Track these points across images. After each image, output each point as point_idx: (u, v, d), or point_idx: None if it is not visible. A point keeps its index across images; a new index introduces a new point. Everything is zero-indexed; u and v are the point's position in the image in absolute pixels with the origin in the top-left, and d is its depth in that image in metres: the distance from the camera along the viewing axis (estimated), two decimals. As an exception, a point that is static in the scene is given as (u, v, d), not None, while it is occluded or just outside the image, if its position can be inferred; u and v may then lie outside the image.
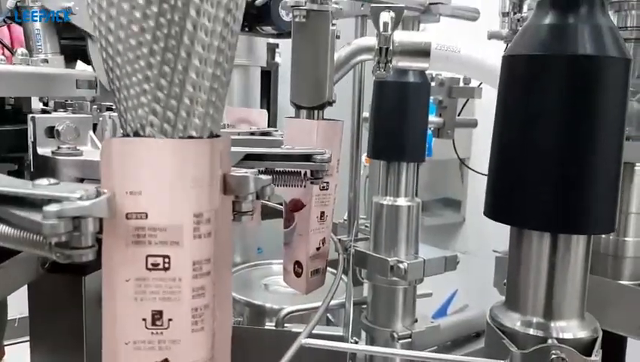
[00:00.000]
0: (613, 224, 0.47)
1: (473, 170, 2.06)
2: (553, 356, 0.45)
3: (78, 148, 0.53)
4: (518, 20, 1.29)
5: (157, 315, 0.33)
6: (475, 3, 1.17)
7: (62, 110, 0.69)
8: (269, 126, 0.88)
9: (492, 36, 1.37)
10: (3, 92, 0.63)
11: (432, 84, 1.63)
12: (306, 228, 0.78)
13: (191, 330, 0.33)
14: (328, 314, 1.19)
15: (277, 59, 2.00)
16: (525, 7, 1.28)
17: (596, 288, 0.70)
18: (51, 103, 0.76)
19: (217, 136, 0.35)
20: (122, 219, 0.32)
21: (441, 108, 1.70)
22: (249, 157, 0.55)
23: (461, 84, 1.71)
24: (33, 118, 0.54)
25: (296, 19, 0.75)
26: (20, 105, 0.67)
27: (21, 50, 0.71)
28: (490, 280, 1.05)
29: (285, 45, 1.41)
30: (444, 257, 0.96)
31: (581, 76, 0.44)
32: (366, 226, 1.15)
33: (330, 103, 0.79)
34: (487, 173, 0.51)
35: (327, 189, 0.77)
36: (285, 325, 0.96)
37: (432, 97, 1.47)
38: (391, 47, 0.77)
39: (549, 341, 0.47)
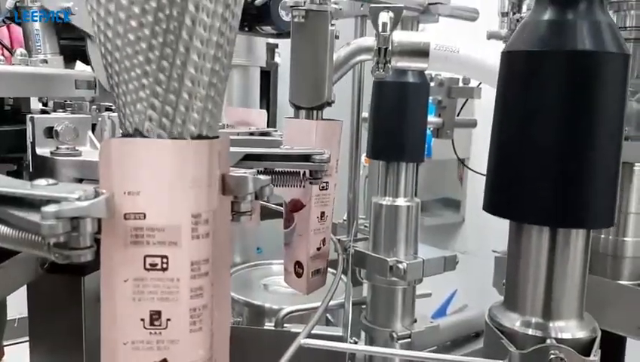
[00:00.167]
0: (612, 219, 0.47)
1: (473, 170, 2.06)
2: (552, 356, 0.45)
3: (76, 148, 0.53)
4: (517, 20, 1.29)
5: (155, 315, 0.33)
6: (474, 3, 1.17)
7: (61, 110, 0.69)
8: (268, 126, 0.88)
9: (491, 36, 1.37)
10: (2, 92, 0.63)
11: (432, 84, 1.63)
12: (306, 229, 0.78)
13: (189, 330, 0.33)
14: (328, 315, 1.19)
15: (276, 59, 2.00)
16: (524, 7, 1.28)
17: (595, 288, 0.70)
18: (50, 103, 0.76)
19: (216, 137, 0.35)
20: (121, 219, 0.32)
21: (440, 109, 1.71)
22: (248, 157, 0.55)
23: (460, 84, 1.71)
24: (32, 119, 0.54)
25: (296, 20, 0.75)
26: (19, 106, 0.67)
27: (20, 51, 0.71)
28: (489, 281, 1.05)
29: (285, 45, 1.41)
30: (444, 257, 0.96)
31: (580, 72, 0.44)
32: (365, 226, 1.15)
33: (329, 104, 0.79)
34: (486, 172, 0.51)
35: (326, 189, 0.77)
36: (285, 325, 0.96)
37: (431, 97, 1.47)
38: (390, 48, 0.77)
39: (548, 341, 0.47)
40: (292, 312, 0.98)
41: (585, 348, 0.47)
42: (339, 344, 0.68)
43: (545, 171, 0.46)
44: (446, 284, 2.33)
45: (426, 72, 0.96)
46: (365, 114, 1.09)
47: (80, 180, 0.50)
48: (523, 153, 0.47)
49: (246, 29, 1.27)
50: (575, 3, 0.45)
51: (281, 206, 0.81)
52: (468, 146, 2.32)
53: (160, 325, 0.33)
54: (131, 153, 0.32)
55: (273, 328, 0.98)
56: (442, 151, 2.10)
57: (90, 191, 0.31)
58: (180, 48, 0.32)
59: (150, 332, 0.33)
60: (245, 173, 0.36)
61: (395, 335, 0.94)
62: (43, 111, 0.70)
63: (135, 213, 0.32)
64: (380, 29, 0.76)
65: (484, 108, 1.80)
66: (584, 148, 0.45)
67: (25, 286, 0.64)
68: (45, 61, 0.86)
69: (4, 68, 0.62)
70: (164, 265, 0.32)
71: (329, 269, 0.86)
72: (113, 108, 0.68)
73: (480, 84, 1.68)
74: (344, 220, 1.22)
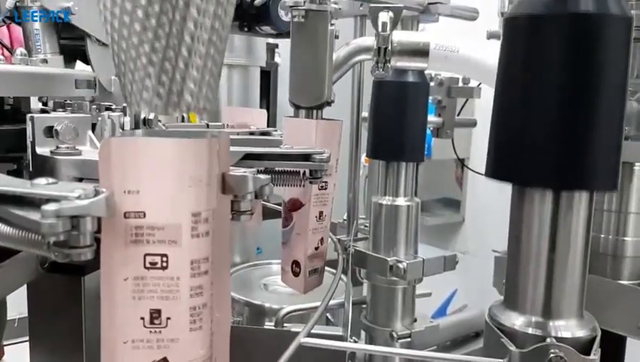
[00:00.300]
0: (616, 182, 0.47)
1: (473, 170, 2.06)
2: (552, 355, 0.45)
3: (76, 147, 0.53)
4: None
5: (155, 314, 0.33)
6: (474, 3, 1.17)
7: (61, 110, 0.69)
8: (268, 126, 0.88)
9: (491, 36, 1.36)
10: (2, 92, 0.63)
11: (432, 84, 1.63)
12: (305, 228, 0.78)
13: (189, 329, 0.33)
14: (328, 314, 1.19)
15: (276, 59, 2.00)
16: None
17: (596, 288, 0.70)
18: (50, 103, 0.76)
19: (218, 133, 0.35)
20: (121, 218, 0.32)
21: (440, 108, 1.71)
22: (248, 156, 0.55)
23: (460, 84, 1.71)
24: (32, 118, 0.54)
25: (295, 19, 0.75)
26: (19, 105, 0.67)
27: (20, 50, 0.71)
28: (489, 281, 1.05)
29: (285, 45, 1.41)
30: (444, 257, 0.96)
31: (583, 34, 0.44)
32: (365, 226, 1.15)
33: (329, 103, 0.79)
34: (488, 138, 0.50)
35: (325, 189, 0.77)
36: (284, 325, 0.96)
37: (431, 97, 1.47)
38: (389, 47, 0.77)
39: (548, 340, 0.47)
40: (292, 312, 0.98)
41: (585, 347, 0.47)
42: (339, 343, 0.68)
43: (547, 133, 0.45)
44: (446, 284, 2.33)
45: (425, 72, 0.96)
46: (365, 114, 1.09)
47: (80, 180, 0.50)
48: (526, 115, 0.46)
49: (246, 29, 1.27)
50: None
51: (281, 206, 0.82)
52: (468, 146, 2.32)
53: (160, 324, 0.33)
54: (131, 152, 0.32)
55: (273, 328, 0.98)
56: (442, 150, 2.10)
57: (90, 190, 0.31)
58: (176, 17, 0.32)
59: (150, 331, 0.33)
60: (245, 172, 0.36)
61: (395, 335, 0.94)
62: (43, 111, 0.70)
63: (135, 212, 0.32)
64: (380, 29, 0.76)
65: (484, 107, 1.80)
66: (587, 110, 0.44)
67: (25, 285, 0.64)
68: (45, 61, 0.87)
69: (3, 67, 0.62)
70: (164, 264, 0.32)
71: (329, 269, 0.86)
72: (113, 107, 0.69)
73: (480, 83, 1.68)
74: (344, 220, 1.22)
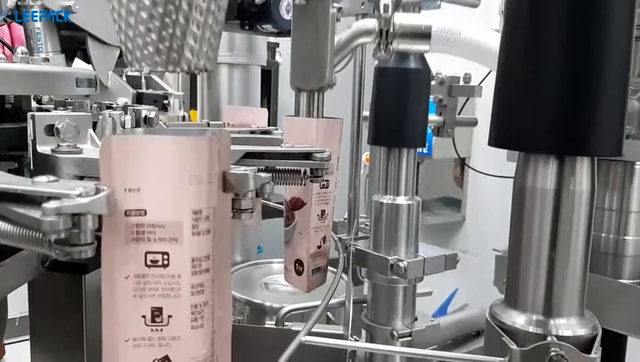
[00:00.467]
0: (620, 147, 0.46)
1: (474, 169, 2.05)
2: (552, 353, 0.45)
3: (77, 146, 0.53)
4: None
5: (156, 312, 0.33)
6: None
7: (62, 108, 0.69)
8: (269, 124, 0.88)
9: (492, 35, 1.36)
10: (3, 90, 0.63)
11: (432, 82, 1.63)
12: (307, 227, 0.78)
13: (190, 327, 0.33)
14: (328, 313, 1.19)
15: (277, 58, 2.00)
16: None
17: (596, 286, 0.70)
18: (45, 99, 0.76)
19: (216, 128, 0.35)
20: (121, 215, 0.32)
21: (441, 107, 1.70)
22: (249, 155, 0.55)
23: (461, 83, 1.70)
24: (33, 116, 0.54)
25: (297, 2, 0.75)
26: (20, 104, 0.67)
27: (21, 49, 0.71)
28: (490, 279, 1.05)
29: (285, 44, 1.41)
30: (444, 256, 0.96)
31: None
32: (366, 225, 1.15)
33: (330, 86, 0.78)
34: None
35: (327, 187, 0.77)
36: (285, 323, 0.97)
37: (432, 96, 1.47)
38: (391, 30, 0.76)
39: (549, 338, 0.47)
40: (293, 311, 0.98)
41: (586, 345, 0.47)
42: (339, 341, 0.68)
43: (550, 97, 0.45)
44: (447, 283, 2.33)
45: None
46: (366, 113, 1.09)
47: (81, 178, 0.50)
48: (528, 80, 0.46)
49: (247, 27, 1.27)
50: None
51: (282, 205, 0.82)
52: (469, 145, 2.32)
53: (161, 322, 0.33)
54: (132, 150, 0.32)
55: (274, 326, 0.98)
56: (443, 150, 2.10)
57: (91, 188, 0.31)
58: None
59: (151, 329, 0.33)
60: (246, 170, 0.36)
61: (395, 334, 0.94)
62: (39, 109, 0.69)
63: (136, 210, 0.32)
64: (382, 11, 0.75)
65: (485, 106, 1.80)
66: (591, 73, 0.44)
67: (26, 284, 0.64)
68: (47, 59, 0.86)
69: (4, 66, 0.62)
70: (165, 262, 0.32)
71: (330, 268, 0.86)
72: (114, 106, 0.69)
73: (481, 82, 1.68)
74: (345, 219, 1.22)
